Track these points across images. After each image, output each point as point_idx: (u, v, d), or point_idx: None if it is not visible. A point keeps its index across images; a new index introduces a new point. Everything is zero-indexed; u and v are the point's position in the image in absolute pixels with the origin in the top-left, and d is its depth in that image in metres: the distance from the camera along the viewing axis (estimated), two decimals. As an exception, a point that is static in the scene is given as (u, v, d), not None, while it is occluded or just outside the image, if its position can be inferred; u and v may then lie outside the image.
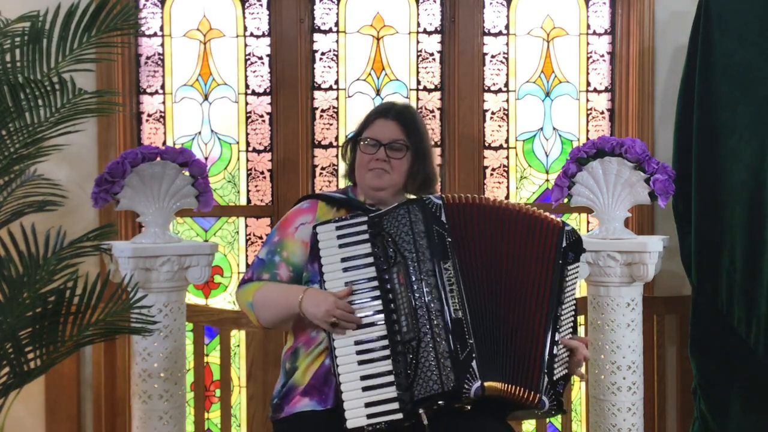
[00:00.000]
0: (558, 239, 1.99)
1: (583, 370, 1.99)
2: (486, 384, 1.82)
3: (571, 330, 1.98)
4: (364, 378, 1.84)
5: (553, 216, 2.03)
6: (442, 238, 1.90)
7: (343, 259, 1.92)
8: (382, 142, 2.09)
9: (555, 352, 1.91)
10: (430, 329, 1.83)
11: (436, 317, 1.84)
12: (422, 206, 1.93)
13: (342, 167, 2.75)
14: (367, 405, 1.83)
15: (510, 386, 1.86)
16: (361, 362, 1.86)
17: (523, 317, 1.92)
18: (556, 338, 1.93)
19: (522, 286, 1.94)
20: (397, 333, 1.85)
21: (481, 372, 1.82)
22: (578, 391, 3.23)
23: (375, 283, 1.90)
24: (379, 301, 1.88)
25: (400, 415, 1.81)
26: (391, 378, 1.83)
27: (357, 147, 2.15)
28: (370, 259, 1.91)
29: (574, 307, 2.00)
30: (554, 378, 1.90)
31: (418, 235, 1.90)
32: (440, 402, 1.81)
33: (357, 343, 1.87)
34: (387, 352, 1.85)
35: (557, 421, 3.16)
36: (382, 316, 1.88)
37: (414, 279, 1.87)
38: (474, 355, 1.83)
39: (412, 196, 2.10)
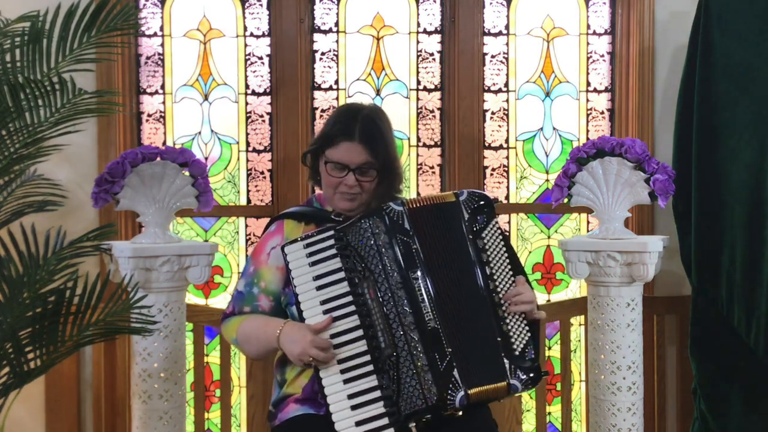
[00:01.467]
0: (458, 215, 1.94)
1: (538, 312, 1.94)
2: (471, 391, 1.82)
3: (510, 287, 1.92)
4: (351, 396, 1.83)
5: (449, 192, 1.97)
6: (408, 247, 1.88)
7: (315, 277, 1.89)
8: (350, 167, 2.01)
9: (505, 329, 1.88)
10: (407, 343, 1.82)
11: (411, 330, 1.83)
12: (383, 216, 1.90)
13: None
14: (358, 423, 1.81)
15: (485, 386, 1.84)
16: (346, 381, 1.84)
17: (473, 308, 1.89)
18: (500, 313, 1.89)
19: (463, 276, 1.91)
20: (377, 349, 1.84)
21: (464, 380, 1.82)
22: (578, 391, 3.23)
23: (350, 298, 1.87)
24: (356, 317, 1.86)
25: (391, 430, 1.81)
26: (377, 393, 1.83)
27: (319, 159, 2.08)
28: (342, 274, 1.88)
29: (508, 264, 1.94)
30: (516, 353, 1.87)
31: (382, 247, 1.87)
32: (427, 416, 1.81)
33: (340, 361, 1.85)
34: (370, 367, 1.84)
35: (557, 421, 3.16)
36: (360, 332, 1.86)
37: (383, 293, 1.85)
38: (454, 364, 1.82)
39: None
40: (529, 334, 1.91)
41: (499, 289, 1.91)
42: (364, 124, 2.02)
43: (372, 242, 1.88)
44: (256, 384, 3.01)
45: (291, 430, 1.98)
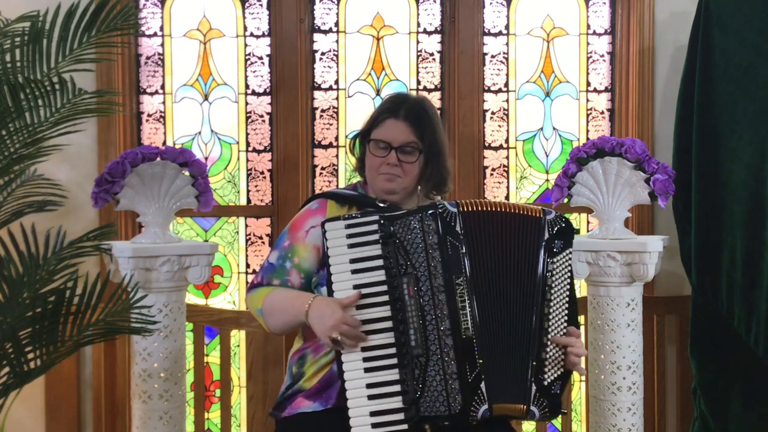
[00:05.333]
0: (539, 231, 1.90)
1: (582, 365, 1.93)
2: (495, 406, 1.81)
3: (564, 326, 1.90)
4: (370, 386, 1.80)
5: (536, 207, 1.93)
6: (456, 250, 1.84)
7: (352, 260, 1.85)
8: (392, 145, 1.98)
9: (543, 356, 1.85)
10: (439, 348, 1.80)
11: (446, 336, 1.80)
12: (436, 215, 1.85)
13: (342, 167, 2.69)
14: (373, 414, 1.79)
15: (506, 404, 1.84)
16: (367, 369, 1.81)
17: (518, 325, 1.86)
18: (544, 340, 1.86)
19: (516, 292, 1.88)
20: (405, 345, 1.81)
21: (490, 394, 1.80)
22: (578, 391, 3.23)
23: (384, 288, 1.83)
24: (388, 308, 1.82)
25: (404, 426, 1.79)
26: (397, 387, 1.80)
27: (366, 143, 2.05)
28: (380, 262, 1.83)
29: (567, 299, 1.91)
30: (545, 383, 1.85)
31: (430, 246, 1.83)
32: (446, 423, 1.79)
33: (364, 349, 1.82)
34: (394, 360, 1.81)
35: (557, 421, 3.16)
36: (390, 323, 1.82)
37: (424, 293, 1.82)
38: (483, 376, 1.80)
39: (426, 201, 2.04)
40: (561, 371, 1.89)
41: (550, 317, 1.88)
42: (410, 105, 2.01)
43: (420, 239, 1.84)
44: (256, 384, 3.01)
45: (298, 425, 1.96)
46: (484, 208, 1.90)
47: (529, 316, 1.86)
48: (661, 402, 3.14)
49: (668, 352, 3.15)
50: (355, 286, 1.84)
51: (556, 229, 1.91)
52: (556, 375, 1.87)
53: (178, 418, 2.63)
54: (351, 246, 1.85)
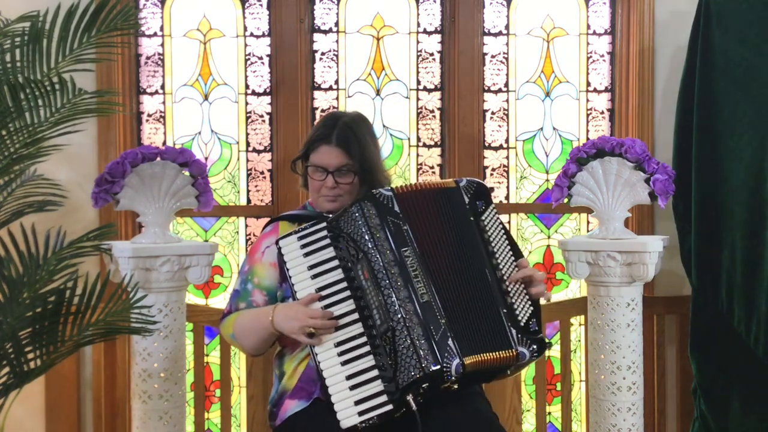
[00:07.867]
0: (459, 199, 2.03)
1: (545, 289, 2.04)
2: (467, 360, 1.86)
3: (514, 265, 2.02)
4: (349, 377, 1.88)
5: (447, 180, 2.09)
6: (398, 227, 1.96)
7: (310, 267, 1.97)
8: (328, 169, 2.12)
9: (509, 301, 1.96)
10: (402, 316, 1.88)
11: (406, 304, 1.88)
12: (374, 200, 1.99)
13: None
14: (357, 402, 1.86)
15: (487, 354, 1.90)
16: (344, 362, 1.90)
17: (474, 283, 1.96)
18: (503, 287, 1.97)
19: (461, 254, 1.98)
20: (372, 327, 1.90)
21: (459, 348, 1.86)
22: (578, 391, 3.23)
23: (344, 284, 1.95)
24: (351, 301, 1.93)
25: (390, 407, 1.85)
26: (375, 372, 1.88)
27: (306, 165, 2.18)
28: (336, 262, 1.97)
29: (507, 243, 2.04)
30: (521, 324, 1.94)
31: (374, 228, 1.95)
32: (425, 385, 1.84)
33: (337, 344, 1.92)
34: (367, 348, 1.90)
35: (557, 421, 3.16)
36: (356, 315, 1.92)
37: (378, 271, 1.92)
38: (449, 333, 1.87)
39: None
40: (532, 308, 1.99)
41: (501, 266, 1.99)
42: (341, 129, 2.14)
43: (363, 224, 1.96)
44: (256, 384, 3.01)
45: (291, 428, 2.01)
46: (416, 188, 2.04)
47: (482, 271, 1.98)
48: (661, 402, 3.14)
49: (668, 352, 3.15)
50: (317, 290, 1.96)
51: (472, 192, 2.06)
52: (528, 313, 1.98)
53: (178, 418, 2.63)
54: (306, 255, 1.99)
